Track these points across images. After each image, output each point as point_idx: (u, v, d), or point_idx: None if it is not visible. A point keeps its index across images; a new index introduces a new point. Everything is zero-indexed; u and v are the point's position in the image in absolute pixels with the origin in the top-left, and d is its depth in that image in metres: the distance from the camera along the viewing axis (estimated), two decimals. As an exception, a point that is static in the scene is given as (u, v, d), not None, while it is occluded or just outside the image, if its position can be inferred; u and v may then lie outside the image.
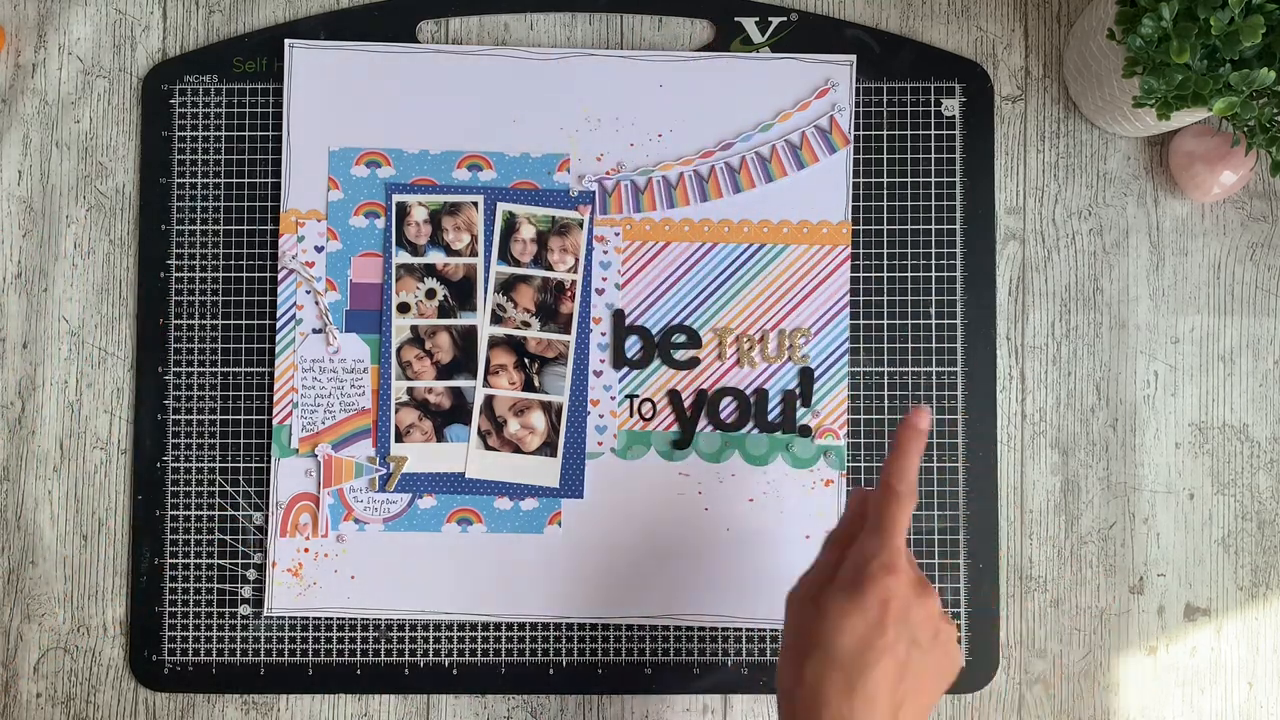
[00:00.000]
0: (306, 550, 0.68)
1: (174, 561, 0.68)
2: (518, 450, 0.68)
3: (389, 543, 0.68)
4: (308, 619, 0.68)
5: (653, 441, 0.69)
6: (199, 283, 0.69)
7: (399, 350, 0.68)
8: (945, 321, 0.69)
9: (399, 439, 0.68)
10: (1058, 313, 0.70)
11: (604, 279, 0.69)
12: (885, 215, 0.69)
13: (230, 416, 0.68)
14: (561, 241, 0.68)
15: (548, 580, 0.68)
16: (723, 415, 0.68)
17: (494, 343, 0.68)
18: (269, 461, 0.68)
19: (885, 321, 0.69)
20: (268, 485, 0.68)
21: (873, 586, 0.52)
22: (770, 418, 0.68)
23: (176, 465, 0.68)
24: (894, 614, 0.52)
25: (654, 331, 0.69)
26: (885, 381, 0.69)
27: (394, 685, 0.68)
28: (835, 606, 0.53)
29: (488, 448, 0.68)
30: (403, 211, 0.68)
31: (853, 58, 0.69)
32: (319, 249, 0.68)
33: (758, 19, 0.69)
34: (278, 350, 0.68)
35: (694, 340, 0.69)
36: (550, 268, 0.68)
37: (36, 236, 0.69)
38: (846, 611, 0.52)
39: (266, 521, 0.68)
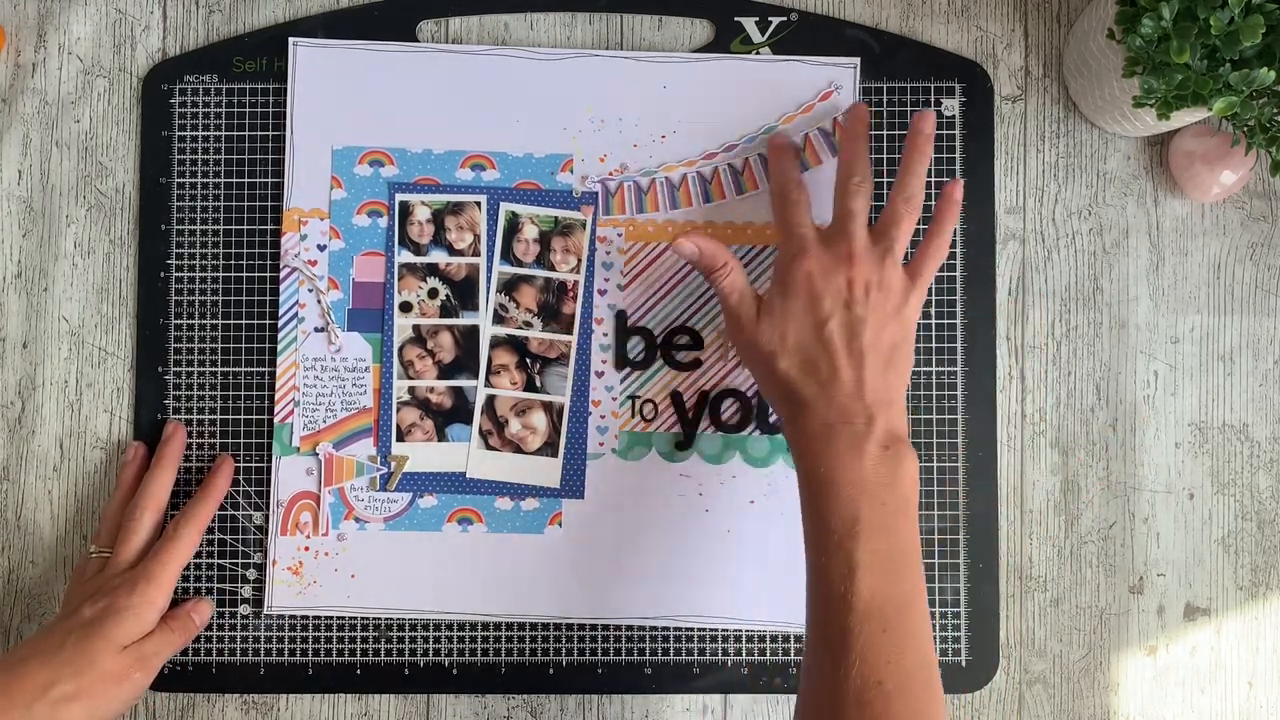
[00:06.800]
0: (307, 549, 0.68)
1: (174, 561, 0.68)
2: (519, 450, 0.68)
3: (389, 542, 0.68)
4: (308, 618, 0.68)
5: (654, 442, 0.68)
6: (199, 283, 0.69)
7: (401, 349, 0.68)
8: (945, 321, 0.69)
9: (400, 438, 0.68)
10: (1058, 312, 0.70)
11: (606, 280, 0.69)
12: (886, 215, 0.69)
13: (230, 416, 0.68)
14: (564, 242, 0.68)
15: (548, 580, 0.68)
16: (724, 417, 0.68)
17: (496, 342, 0.68)
18: (269, 461, 0.68)
19: (886, 322, 0.69)
20: (268, 484, 0.68)
21: (792, 274, 0.60)
22: (772, 420, 0.68)
23: (177, 465, 0.68)
24: (819, 285, 0.59)
25: (656, 332, 0.69)
26: (885, 381, 0.69)
27: (394, 685, 0.68)
28: (770, 312, 0.60)
29: (489, 447, 0.68)
30: (405, 211, 0.68)
31: (856, 60, 0.69)
32: (321, 247, 0.68)
33: (758, 19, 0.69)
34: (279, 348, 0.68)
35: (696, 341, 0.69)
36: (553, 268, 0.68)
37: (36, 236, 0.69)
38: (783, 310, 0.60)
39: (267, 521, 0.68)
